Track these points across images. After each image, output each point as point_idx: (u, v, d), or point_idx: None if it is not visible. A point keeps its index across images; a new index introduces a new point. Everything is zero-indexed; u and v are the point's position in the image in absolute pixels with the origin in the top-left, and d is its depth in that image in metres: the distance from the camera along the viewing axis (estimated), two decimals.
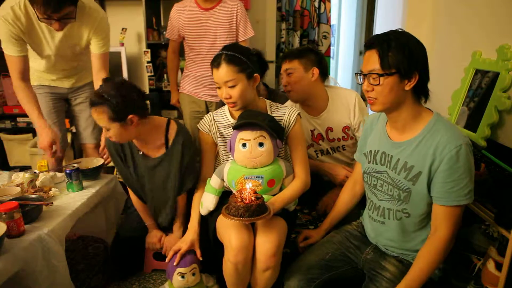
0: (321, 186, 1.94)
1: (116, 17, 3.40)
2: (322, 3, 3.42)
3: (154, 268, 1.94)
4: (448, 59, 2.16)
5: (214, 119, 1.62)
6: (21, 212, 1.34)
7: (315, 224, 1.93)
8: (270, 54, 3.35)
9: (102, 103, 1.47)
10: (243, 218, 1.28)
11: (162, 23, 3.35)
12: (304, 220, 1.98)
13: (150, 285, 1.86)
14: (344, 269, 1.44)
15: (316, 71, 1.86)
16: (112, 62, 2.47)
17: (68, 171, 1.68)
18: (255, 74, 1.50)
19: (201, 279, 1.60)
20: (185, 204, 1.76)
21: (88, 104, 2.17)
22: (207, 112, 2.53)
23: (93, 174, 1.83)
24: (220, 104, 2.32)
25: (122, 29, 3.24)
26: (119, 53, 3.17)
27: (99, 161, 1.89)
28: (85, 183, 1.77)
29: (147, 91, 3.06)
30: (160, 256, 1.81)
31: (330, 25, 3.52)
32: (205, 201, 1.57)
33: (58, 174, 1.85)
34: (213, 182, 1.55)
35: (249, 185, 1.33)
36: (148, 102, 1.99)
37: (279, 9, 3.43)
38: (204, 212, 1.59)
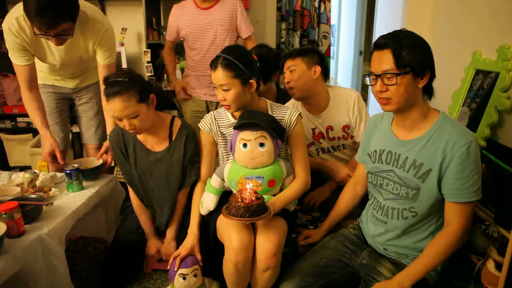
0: (321, 185, 1.94)
1: (116, 17, 3.40)
2: (322, 3, 3.42)
3: (154, 268, 1.94)
4: (448, 59, 2.16)
5: (215, 119, 1.62)
6: (21, 212, 1.34)
7: (315, 224, 1.93)
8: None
9: (128, 87, 1.47)
10: (244, 218, 1.28)
11: (162, 23, 3.35)
12: (304, 220, 1.98)
13: (150, 285, 1.86)
14: (339, 275, 1.44)
15: (318, 69, 1.88)
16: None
17: (68, 171, 1.68)
18: (251, 81, 1.50)
19: (204, 282, 1.60)
20: (185, 204, 1.76)
21: (92, 104, 2.20)
22: (208, 111, 2.53)
23: (92, 174, 1.83)
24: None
25: (122, 29, 3.24)
26: (119, 53, 3.16)
27: (99, 161, 1.89)
28: (85, 183, 1.77)
29: None
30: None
31: (330, 25, 3.51)
32: (205, 201, 1.57)
33: (58, 174, 1.85)
34: (214, 182, 1.55)
35: (249, 185, 1.33)
36: None
37: (279, 9, 3.43)
38: (204, 212, 1.59)
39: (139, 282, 1.87)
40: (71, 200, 1.63)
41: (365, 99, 2.14)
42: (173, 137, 1.69)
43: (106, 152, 1.93)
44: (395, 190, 1.35)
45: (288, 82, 1.87)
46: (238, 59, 1.46)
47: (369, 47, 4.51)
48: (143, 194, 1.78)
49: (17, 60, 1.82)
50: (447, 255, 1.25)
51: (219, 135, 1.61)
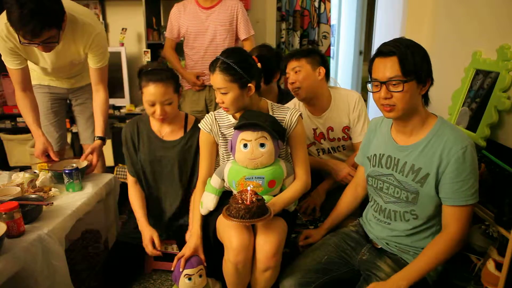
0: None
1: (116, 17, 3.41)
2: (322, 3, 3.42)
3: (154, 268, 1.94)
4: (448, 59, 2.16)
5: (215, 119, 1.62)
6: (21, 212, 1.34)
7: (315, 224, 1.93)
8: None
9: (169, 76, 1.63)
10: (244, 220, 1.28)
11: (162, 23, 3.35)
12: (304, 220, 1.98)
13: (150, 285, 1.86)
14: (341, 272, 1.45)
15: (322, 70, 1.89)
16: (112, 62, 2.47)
17: (67, 171, 1.68)
18: (249, 84, 1.50)
19: (208, 283, 1.59)
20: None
21: (88, 104, 2.20)
22: (207, 111, 2.54)
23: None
24: None
25: (122, 29, 3.24)
26: (119, 53, 3.18)
27: (83, 163, 1.87)
28: (85, 183, 1.77)
29: None
30: (160, 256, 1.80)
31: (330, 25, 3.51)
32: (205, 201, 1.57)
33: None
34: (214, 182, 1.55)
35: (249, 187, 1.33)
36: None
37: (279, 9, 3.43)
38: (204, 212, 1.59)
39: (139, 282, 1.87)
40: (71, 200, 1.63)
41: (365, 99, 2.15)
42: (188, 128, 1.77)
43: (92, 153, 1.92)
44: (396, 194, 1.36)
45: (293, 83, 1.87)
46: (236, 63, 1.46)
47: (369, 47, 4.52)
48: (152, 184, 1.78)
49: (9, 63, 1.83)
50: (445, 258, 1.26)
51: (220, 136, 1.61)
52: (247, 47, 2.45)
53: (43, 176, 1.72)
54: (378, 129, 1.48)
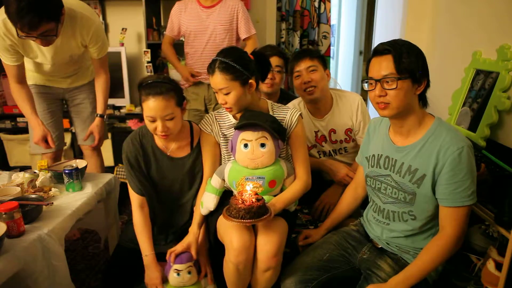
0: (322, 186, 1.94)
1: (116, 17, 3.41)
2: (322, 3, 3.42)
3: None
4: (448, 59, 2.16)
5: (216, 119, 1.62)
6: (21, 212, 1.34)
7: (315, 224, 1.93)
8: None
9: (169, 89, 1.49)
10: (244, 220, 1.28)
11: (162, 23, 3.35)
12: (304, 220, 1.98)
13: None
14: (342, 270, 1.45)
15: (328, 73, 1.90)
16: (112, 62, 2.47)
17: (67, 171, 1.68)
18: (250, 81, 1.49)
19: (199, 282, 1.59)
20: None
21: (85, 105, 2.21)
22: (206, 111, 2.54)
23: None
24: None
25: (122, 29, 3.24)
26: (119, 53, 3.18)
27: (82, 164, 1.87)
28: (85, 183, 1.77)
29: None
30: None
31: (330, 25, 3.51)
32: (206, 201, 1.57)
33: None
34: (214, 181, 1.55)
35: (249, 187, 1.33)
36: None
37: (279, 9, 3.43)
38: (204, 212, 1.59)
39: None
40: (71, 200, 1.62)
41: (365, 99, 2.15)
42: (195, 143, 1.68)
43: (92, 131, 2.07)
44: (394, 194, 1.36)
45: (309, 81, 1.84)
46: (235, 61, 1.45)
47: (369, 47, 4.52)
48: (163, 200, 1.69)
49: (5, 59, 1.85)
50: (443, 260, 1.26)
51: (221, 136, 1.61)
52: (250, 46, 2.44)
53: (43, 176, 1.72)
54: (377, 130, 1.49)
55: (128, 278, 1.66)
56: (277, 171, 1.47)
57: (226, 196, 1.56)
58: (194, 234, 1.58)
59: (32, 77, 2.10)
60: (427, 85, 1.28)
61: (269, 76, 2.07)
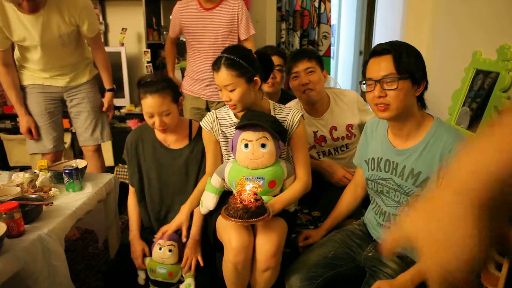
0: (322, 186, 1.94)
1: (116, 17, 3.41)
2: (322, 3, 3.42)
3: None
4: (448, 59, 2.16)
5: (217, 117, 1.62)
6: (21, 212, 1.34)
7: (315, 224, 1.93)
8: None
9: (165, 86, 1.59)
10: (242, 220, 1.28)
11: (162, 23, 3.35)
12: (304, 220, 1.98)
13: None
14: (347, 267, 1.45)
15: (325, 73, 1.89)
16: (112, 62, 2.47)
17: (67, 171, 1.68)
18: (255, 78, 1.50)
19: (179, 264, 1.61)
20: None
21: (85, 104, 2.21)
22: (208, 109, 2.53)
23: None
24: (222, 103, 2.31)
25: (122, 29, 3.24)
26: (119, 53, 3.18)
27: (83, 164, 1.87)
28: (85, 183, 1.77)
29: None
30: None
31: (330, 25, 3.51)
32: (206, 200, 1.57)
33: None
34: (214, 181, 1.55)
35: (248, 187, 1.33)
36: None
37: (279, 9, 3.43)
38: (204, 211, 1.59)
39: None
40: (71, 200, 1.62)
41: (364, 99, 2.16)
42: (193, 136, 1.74)
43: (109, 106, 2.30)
44: (396, 198, 1.36)
45: (306, 83, 1.83)
46: (241, 58, 1.46)
47: (369, 47, 4.51)
48: (158, 193, 1.74)
49: None
50: None
51: (221, 134, 1.61)
52: (248, 46, 2.44)
53: (43, 176, 1.72)
54: (374, 132, 1.47)
55: (131, 277, 1.66)
56: (277, 172, 1.47)
57: (226, 196, 1.56)
58: (185, 213, 1.62)
59: (30, 77, 2.10)
60: (426, 87, 1.28)
61: (270, 75, 2.09)
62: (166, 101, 1.58)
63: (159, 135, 1.74)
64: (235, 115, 1.60)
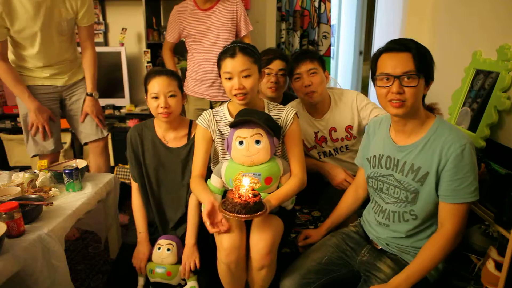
0: (322, 186, 1.94)
1: (116, 17, 3.41)
2: (322, 3, 3.42)
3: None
4: (448, 59, 2.16)
5: (213, 116, 1.62)
6: (21, 212, 1.34)
7: (315, 224, 1.93)
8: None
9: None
10: (240, 215, 1.28)
11: (162, 23, 3.35)
12: (304, 220, 1.98)
13: None
14: (341, 273, 1.44)
15: (327, 74, 1.89)
16: (112, 62, 2.48)
17: (67, 171, 1.68)
18: (263, 70, 1.54)
19: (178, 266, 1.61)
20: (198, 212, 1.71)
21: (83, 100, 2.22)
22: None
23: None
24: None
25: (122, 29, 3.25)
26: (119, 53, 3.18)
27: (83, 163, 1.87)
28: (85, 183, 1.77)
29: None
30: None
31: (330, 25, 3.51)
32: None
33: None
34: (214, 181, 1.55)
35: (246, 181, 1.32)
36: None
37: (279, 9, 3.43)
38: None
39: None
40: (71, 200, 1.63)
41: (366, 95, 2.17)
42: (192, 135, 1.75)
43: (87, 114, 2.20)
44: (395, 194, 1.36)
45: (309, 85, 1.83)
46: (252, 48, 1.51)
47: (369, 47, 4.51)
48: (156, 190, 1.76)
49: None
50: (443, 257, 1.26)
51: (217, 133, 1.61)
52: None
53: (43, 176, 1.72)
54: (376, 130, 1.48)
55: (133, 278, 1.67)
56: (273, 168, 1.47)
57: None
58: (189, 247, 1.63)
59: (29, 79, 2.10)
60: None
61: (273, 80, 2.07)
62: (173, 83, 1.66)
63: (159, 132, 1.76)
64: (231, 114, 1.60)
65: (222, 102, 2.47)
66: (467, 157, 1.21)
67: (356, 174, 1.67)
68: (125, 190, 2.02)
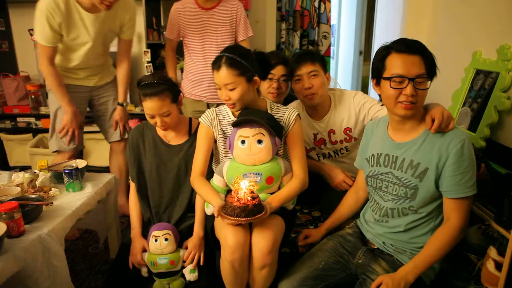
0: (322, 187, 1.94)
1: None
2: (322, 3, 3.42)
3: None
4: (448, 59, 2.16)
5: (216, 114, 1.62)
6: (21, 212, 1.34)
7: (315, 224, 1.93)
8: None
9: (164, 88, 1.62)
10: (239, 218, 1.28)
11: (162, 23, 3.35)
12: (304, 220, 1.98)
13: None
14: (338, 277, 1.44)
15: (329, 76, 1.87)
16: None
17: (67, 171, 1.68)
18: (255, 77, 1.50)
19: (178, 251, 1.63)
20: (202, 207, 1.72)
21: (112, 102, 2.33)
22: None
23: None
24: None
25: None
26: None
27: (83, 163, 1.87)
28: (85, 183, 1.77)
29: None
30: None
31: (330, 25, 3.51)
32: None
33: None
34: (217, 181, 1.55)
35: (244, 184, 1.32)
36: None
37: (279, 9, 3.43)
38: (209, 212, 1.59)
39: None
40: (71, 200, 1.62)
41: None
42: (192, 132, 1.77)
43: (118, 121, 2.30)
44: (394, 191, 1.37)
45: (310, 88, 1.81)
46: (241, 57, 1.46)
47: (369, 47, 4.51)
48: (157, 189, 1.76)
49: (45, 40, 1.95)
50: (448, 249, 1.28)
51: (219, 132, 1.61)
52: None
53: (43, 176, 1.72)
54: (374, 131, 1.49)
55: (132, 275, 1.67)
56: (274, 168, 1.47)
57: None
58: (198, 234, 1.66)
59: (66, 78, 2.17)
60: None
61: (275, 86, 2.05)
62: (166, 102, 1.62)
63: (160, 132, 1.78)
64: (234, 113, 1.60)
65: (218, 105, 2.46)
66: (467, 152, 1.24)
67: (355, 175, 1.68)
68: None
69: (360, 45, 4.59)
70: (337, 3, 4.45)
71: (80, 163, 1.85)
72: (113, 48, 2.36)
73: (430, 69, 1.26)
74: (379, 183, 1.42)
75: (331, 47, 3.66)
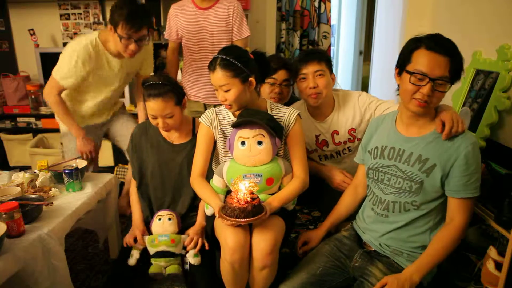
0: (322, 187, 1.94)
1: None
2: (322, 3, 3.42)
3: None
4: None
5: (216, 114, 1.62)
6: (21, 212, 1.34)
7: (315, 224, 1.93)
8: (270, 54, 3.34)
9: (168, 90, 1.61)
10: (239, 219, 1.28)
11: (162, 23, 3.35)
12: (304, 220, 1.98)
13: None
14: (337, 282, 1.45)
15: (334, 76, 1.85)
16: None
17: (67, 171, 1.68)
18: (250, 78, 1.50)
19: (180, 235, 1.64)
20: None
21: (126, 124, 2.38)
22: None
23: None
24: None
25: None
26: None
27: (83, 163, 1.87)
28: (85, 183, 1.77)
29: None
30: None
31: (330, 25, 3.51)
32: None
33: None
34: (217, 182, 1.55)
35: (245, 186, 1.32)
36: None
37: (279, 9, 3.43)
38: (209, 212, 1.59)
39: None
40: (71, 200, 1.62)
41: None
42: (196, 131, 1.75)
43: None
44: (398, 184, 1.37)
45: (315, 87, 1.79)
46: (236, 59, 1.46)
47: (369, 47, 4.51)
48: (160, 188, 1.76)
49: (66, 82, 2.01)
50: (452, 249, 1.29)
51: (219, 132, 1.61)
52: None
53: (43, 176, 1.72)
54: (380, 126, 1.49)
55: (133, 276, 1.67)
56: (275, 169, 1.47)
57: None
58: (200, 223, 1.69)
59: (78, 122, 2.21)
60: None
61: (277, 90, 2.04)
62: (169, 104, 1.61)
63: (163, 132, 1.78)
64: (234, 114, 1.60)
65: (215, 105, 2.46)
66: (476, 154, 1.26)
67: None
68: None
69: (360, 45, 4.59)
70: (337, 3, 4.45)
71: (80, 163, 1.85)
72: None
73: (455, 73, 1.24)
74: (381, 175, 1.42)
75: (331, 47, 3.66)
